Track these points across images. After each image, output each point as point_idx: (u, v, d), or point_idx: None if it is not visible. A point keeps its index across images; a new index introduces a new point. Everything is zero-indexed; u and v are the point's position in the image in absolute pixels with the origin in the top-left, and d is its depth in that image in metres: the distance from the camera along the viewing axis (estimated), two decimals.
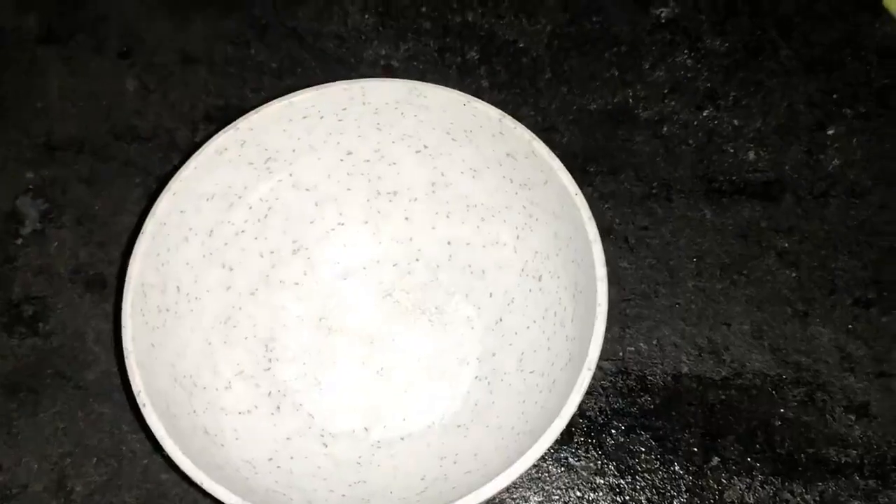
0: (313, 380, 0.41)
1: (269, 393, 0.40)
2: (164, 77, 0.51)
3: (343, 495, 0.36)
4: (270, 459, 0.37)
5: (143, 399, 0.33)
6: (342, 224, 0.43)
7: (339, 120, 0.40)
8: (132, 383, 0.33)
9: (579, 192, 0.36)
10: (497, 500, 0.40)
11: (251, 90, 0.50)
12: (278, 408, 0.40)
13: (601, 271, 0.35)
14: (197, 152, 0.38)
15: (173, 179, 0.37)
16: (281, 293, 0.42)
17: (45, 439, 0.42)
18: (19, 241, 0.46)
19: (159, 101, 0.50)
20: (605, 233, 0.45)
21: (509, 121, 0.38)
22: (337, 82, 0.39)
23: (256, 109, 0.38)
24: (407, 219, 0.43)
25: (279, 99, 0.39)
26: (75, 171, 0.48)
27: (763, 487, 0.39)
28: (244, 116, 0.38)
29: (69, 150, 0.49)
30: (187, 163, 0.38)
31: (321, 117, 0.40)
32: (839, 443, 0.40)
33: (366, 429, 0.40)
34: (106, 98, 0.50)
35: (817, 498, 0.39)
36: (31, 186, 0.48)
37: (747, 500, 0.39)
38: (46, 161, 0.48)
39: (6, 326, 0.44)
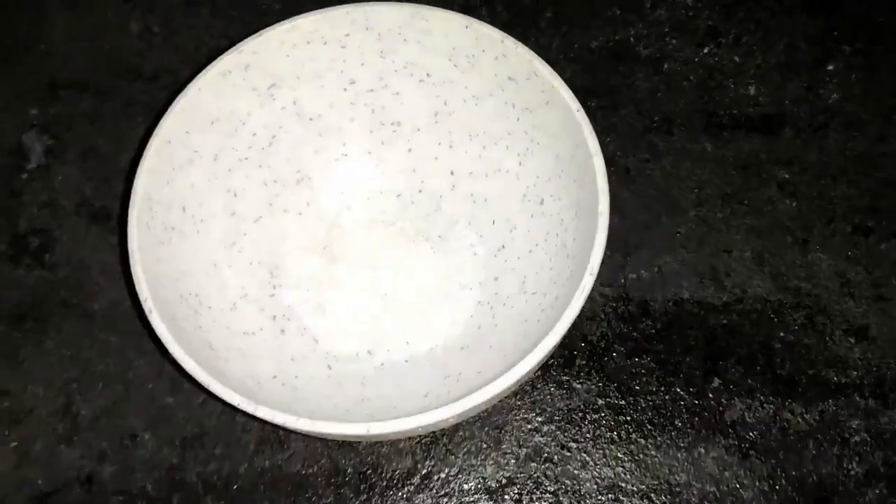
0: (317, 305, 0.41)
1: (274, 317, 0.40)
2: (167, 19, 0.51)
3: (347, 410, 0.37)
4: (275, 377, 0.37)
5: (149, 305, 0.33)
6: (346, 154, 0.44)
7: (343, 47, 0.40)
8: (138, 290, 0.33)
9: (580, 108, 0.36)
10: (501, 420, 0.40)
11: (254, 31, 0.50)
12: (282, 331, 0.40)
13: (602, 184, 0.35)
14: (201, 73, 0.38)
15: (178, 97, 0.37)
16: (285, 221, 0.42)
17: (50, 366, 0.42)
18: (24, 176, 0.46)
19: (162, 43, 0.50)
20: (607, 164, 0.45)
21: (511, 41, 0.38)
22: (340, 6, 0.39)
23: (260, 32, 0.39)
24: (410, 150, 0.44)
25: (283, 22, 0.39)
26: (80, 108, 0.48)
27: (763, 407, 0.40)
28: (247, 39, 0.39)
29: (73, 89, 0.49)
30: (191, 83, 0.38)
31: (324, 43, 0.40)
32: (839, 364, 0.41)
33: (369, 352, 0.40)
34: (110, 40, 0.51)
35: (817, 417, 0.39)
36: (35, 122, 0.48)
37: (748, 419, 0.40)
38: (51, 99, 0.49)
39: (12, 258, 0.44)
